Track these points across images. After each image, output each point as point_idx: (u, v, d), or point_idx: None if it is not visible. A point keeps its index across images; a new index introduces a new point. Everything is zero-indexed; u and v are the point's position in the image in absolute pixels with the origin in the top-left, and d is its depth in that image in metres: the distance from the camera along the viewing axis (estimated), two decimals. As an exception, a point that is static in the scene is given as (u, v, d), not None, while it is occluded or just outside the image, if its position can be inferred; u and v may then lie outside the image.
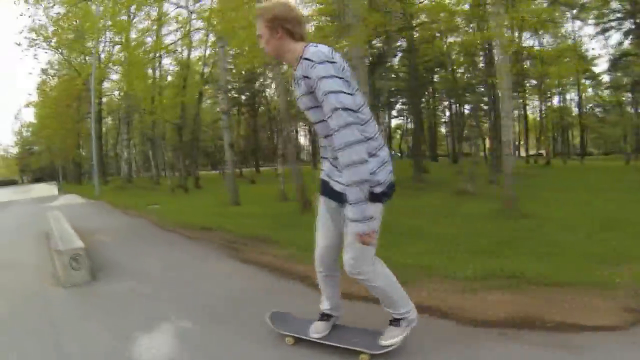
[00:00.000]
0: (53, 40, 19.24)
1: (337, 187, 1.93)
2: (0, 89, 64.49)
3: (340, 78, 1.74)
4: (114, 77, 23.53)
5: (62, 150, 29.68)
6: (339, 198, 1.93)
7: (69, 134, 27.07)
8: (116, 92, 26.33)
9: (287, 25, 1.88)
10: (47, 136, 30.16)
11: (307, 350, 2.25)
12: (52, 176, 43.78)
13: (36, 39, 18.38)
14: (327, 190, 2.03)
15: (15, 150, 56.24)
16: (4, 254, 5.93)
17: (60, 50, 20.48)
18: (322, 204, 2.10)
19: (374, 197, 1.81)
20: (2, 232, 8.67)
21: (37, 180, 29.15)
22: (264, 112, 39.70)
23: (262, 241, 5.65)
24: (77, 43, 19.73)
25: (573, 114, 35.11)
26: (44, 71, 28.18)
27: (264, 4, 2.00)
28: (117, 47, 21.63)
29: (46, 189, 28.36)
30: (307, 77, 1.78)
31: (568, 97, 34.11)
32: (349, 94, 1.73)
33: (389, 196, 1.91)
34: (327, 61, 1.75)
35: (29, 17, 18.61)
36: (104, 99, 25.91)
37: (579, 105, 32.72)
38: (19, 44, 19.08)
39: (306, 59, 1.79)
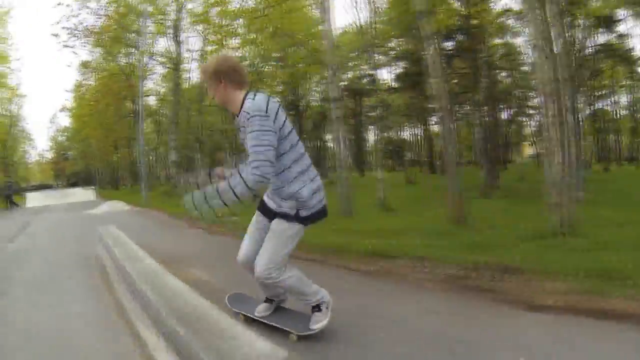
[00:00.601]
0: (94, 33, 17.41)
1: (271, 205, 2.29)
2: (37, 92, 64.95)
3: (267, 131, 1.98)
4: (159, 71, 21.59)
5: (101, 151, 27.46)
6: (269, 215, 2.29)
7: (108, 135, 25.02)
8: (161, 89, 24.42)
9: (227, 76, 2.12)
10: (84, 137, 28.34)
11: (254, 326, 2.40)
12: (86, 181, 42.24)
13: (76, 29, 16.46)
14: (263, 208, 2.37)
15: (50, 155, 56.05)
16: (34, 317, 3.21)
17: (103, 37, 18.46)
18: (256, 217, 2.40)
19: (299, 219, 2.17)
20: (35, 256, 6.09)
21: (72, 184, 27.26)
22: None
23: (503, 270, 3.41)
24: (119, 38, 17.83)
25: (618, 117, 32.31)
26: (84, 64, 26.00)
27: (206, 63, 2.45)
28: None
29: (83, 193, 26.40)
30: (244, 126, 2.08)
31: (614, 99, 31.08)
32: (271, 145, 1.98)
33: (314, 221, 2.23)
34: (259, 115, 1.98)
35: (67, 5, 16.58)
36: (149, 98, 23.90)
37: (632, 107, 30.00)
38: (56, 35, 17.24)
39: (245, 111, 2.04)
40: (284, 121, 2.10)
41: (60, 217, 12.85)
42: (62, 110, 49.20)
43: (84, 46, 19.42)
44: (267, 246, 2.18)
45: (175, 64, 18.45)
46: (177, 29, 18.39)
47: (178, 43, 18.62)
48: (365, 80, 26.33)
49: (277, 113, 2.06)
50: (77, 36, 17.92)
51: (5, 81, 23.52)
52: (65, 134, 51.08)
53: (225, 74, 2.12)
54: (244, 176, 1.97)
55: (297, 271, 2.30)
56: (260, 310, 2.51)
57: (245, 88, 2.17)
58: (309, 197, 2.14)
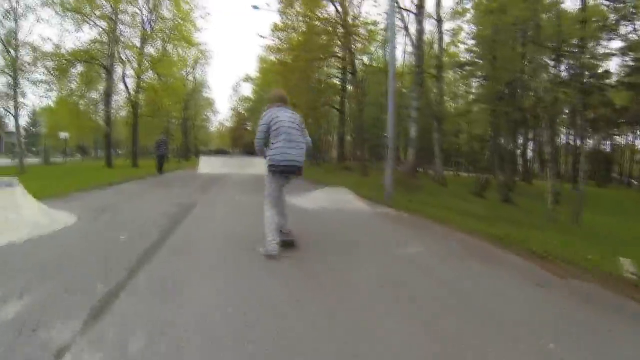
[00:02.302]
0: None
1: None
2: (224, 61, 67.49)
3: (261, 125, 3.77)
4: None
5: (305, 117, 21.55)
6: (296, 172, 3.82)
7: (317, 99, 19.17)
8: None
9: (270, 100, 4.05)
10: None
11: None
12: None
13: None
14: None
15: (230, 124, 57.16)
16: None
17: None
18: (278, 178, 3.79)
19: (270, 170, 3.72)
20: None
21: (249, 153, 23.57)
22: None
23: None
24: None
25: None
26: (276, 27, 20.59)
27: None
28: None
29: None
30: None
31: None
32: (262, 132, 3.75)
33: (278, 172, 3.69)
34: (261, 120, 3.80)
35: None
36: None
37: None
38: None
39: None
40: (273, 122, 3.70)
41: (241, 207, 6.53)
42: (245, 80, 48.89)
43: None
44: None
45: None
46: None
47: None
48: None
49: (271, 119, 3.72)
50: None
51: (189, 36, 19.86)
52: (246, 104, 50.60)
53: (272, 100, 4.00)
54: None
55: (275, 217, 3.70)
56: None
57: (274, 104, 3.92)
58: (273, 158, 3.67)
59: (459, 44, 24.09)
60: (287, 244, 3.77)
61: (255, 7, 20.17)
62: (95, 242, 3.87)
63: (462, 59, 25.35)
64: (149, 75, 19.64)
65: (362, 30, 18.46)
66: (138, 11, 18.31)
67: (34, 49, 14.74)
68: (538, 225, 7.20)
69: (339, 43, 17.60)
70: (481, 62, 22.14)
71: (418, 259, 3.71)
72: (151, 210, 5.87)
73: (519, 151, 27.04)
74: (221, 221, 5.21)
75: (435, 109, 15.57)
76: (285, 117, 3.73)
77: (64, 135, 29.19)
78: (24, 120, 41.79)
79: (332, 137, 37.92)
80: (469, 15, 21.46)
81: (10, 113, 14.99)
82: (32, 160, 28.36)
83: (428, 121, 17.02)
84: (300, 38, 18.00)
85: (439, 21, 15.11)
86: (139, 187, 9.96)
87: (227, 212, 6.06)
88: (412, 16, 15.00)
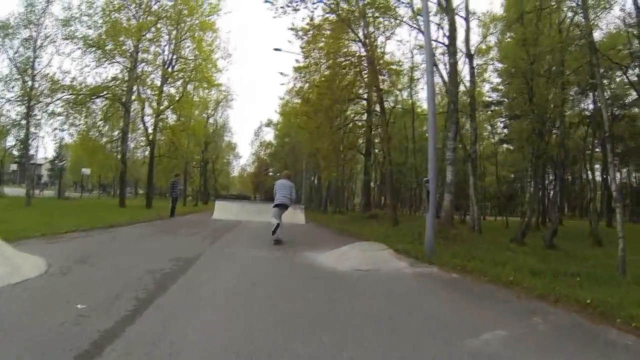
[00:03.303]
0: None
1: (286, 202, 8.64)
2: (247, 106, 68.96)
3: (274, 187, 8.97)
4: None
5: (327, 160, 20.33)
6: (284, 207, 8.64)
7: (337, 143, 18.10)
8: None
9: (282, 177, 9.49)
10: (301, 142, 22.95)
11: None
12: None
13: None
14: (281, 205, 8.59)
15: (252, 170, 56.98)
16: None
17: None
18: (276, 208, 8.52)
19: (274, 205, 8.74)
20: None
21: (270, 199, 22.75)
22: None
23: None
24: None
25: None
26: (298, 69, 20.05)
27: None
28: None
29: (288, 213, 18.99)
30: None
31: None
32: (275, 192, 8.79)
33: (274, 206, 8.62)
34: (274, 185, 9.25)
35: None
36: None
37: None
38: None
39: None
40: (277, 186, 8.78)
41: (254, 263, 5.34)
42: (267, 125, 48.96)
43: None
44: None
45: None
46: None
47: None
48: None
49: (275, 185, 8.90)
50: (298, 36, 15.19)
51: (210, 76, 19.77)
52: (268, 150, 50.47)
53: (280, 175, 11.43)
54: None
55: (279, 224, 8.12)
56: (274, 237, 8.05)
57: (282, 177, 9.28)
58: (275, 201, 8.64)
59: (484, 83, 23.60)
60: (277, 242, 7.93)
61: (277, 49, 19.96)
62: (39, 313, 2.74)
63: (487, 99, 24.78)
64: (168, 115, 19.32)
65: (385, 74, 17.85)
66: (160, 50, 18.32)
67: (52, 80, 14.52)
68: (609, 278, 5.69)
69: (365, 82, 16.90)
70: (505, 100, 21.36)
71: (503, 355, 2.42)
72: (138, 265, 4.68)
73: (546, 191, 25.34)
74: (223, 298, 3.68)
75: (470, 150, 14.37)
76: (281, 185, 8.68)
77: (85, 170, 29.14)
78: (50, 154, 42.64)
79: (354, 184, 36.93)
80: (492, 54, 21.03)
81: (20, 141, 14.68)
82: (47, 193, 28.09)
83: (462, 163, 15.79)
84: (324, 74, 17.31)
85: (469, 56, 14.29)
86: (141, 232, 8.92)
87: (235, 277, 4.73)
88: (442, 50, 14.37)
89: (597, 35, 14.62)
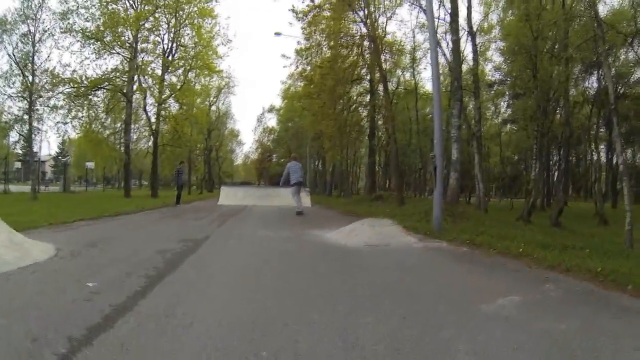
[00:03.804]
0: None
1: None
2: (250, 94, 67.62)
3: (286, 170, 11.24)
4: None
5: (332, 141, 20.19)
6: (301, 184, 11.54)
7: (342, 126, 17.96)
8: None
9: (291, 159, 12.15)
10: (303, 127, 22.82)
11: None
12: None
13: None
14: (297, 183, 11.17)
15: (255, 156, 56.87)
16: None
17: None
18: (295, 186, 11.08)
19: (291, 185, 11.14)
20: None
21: (275, 184, 22.58)
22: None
23: None
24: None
25: None
26: (299, 51, 19.74)
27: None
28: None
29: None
30: None
31: None
32: (285, 175, 11.25)
33: (292, 185, 11.04)
34: (285, 168, 11.63)
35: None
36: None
37: None
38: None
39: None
40: (290, 168, 11.01)
41: (263, 243, 5.34)
42: (270, 110, 48.61)
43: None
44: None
45: None
46: None
47: None
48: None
49: (289, 168, 11.12)
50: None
51: (210, 63, 19.51)
52: (271, 136, 50.28)
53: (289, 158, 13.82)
54: None
55: (294, 200, 11.09)
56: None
57: (291, 160, 11.95)
58: (291, 181, 10.90)
59: (487, 62, 23.28)
60: (299, 214, 10.18)
61: (278, 34, 19.71)
62: (50, 292, 2.73)
63: (490, 79, 24.46)
64: (170, 104, 19.23)
65: (388, 53, 17.60)
66: (159, 39, 18.12)
67: (52, 74, 14.45)
68: (617, 252, 5.65)
69: (367, 63, 16.66)
70: (508, 79, 21.07)
71: (519, 319, 2.39)
72: (148, 247, 4.70)
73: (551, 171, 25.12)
74: (235, 274, 3.76)
75: (474, 128, 14.21)
76: (294, 166, 10.95)
77: (89, 164, 29.21)
78: (53, 150, 42.74)
79: (358, 167, 36.74)
80: (494, 32, 20.68)
81: (23, 136, 14.67)
82: (53, 188, 28.26)
83: (467, 144, 15.66)
84: (326, 56, 17.09)
85: (471, 34, 14.03)
86: (148, 218, 8.95)
87: (245, 254, 4.75)
88: (444, 29, 14.12)
89: (601, 9, 14.30)
